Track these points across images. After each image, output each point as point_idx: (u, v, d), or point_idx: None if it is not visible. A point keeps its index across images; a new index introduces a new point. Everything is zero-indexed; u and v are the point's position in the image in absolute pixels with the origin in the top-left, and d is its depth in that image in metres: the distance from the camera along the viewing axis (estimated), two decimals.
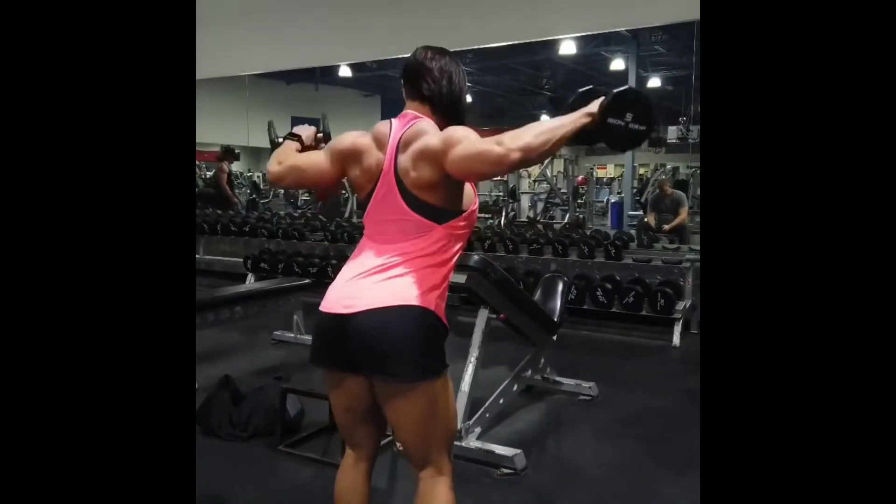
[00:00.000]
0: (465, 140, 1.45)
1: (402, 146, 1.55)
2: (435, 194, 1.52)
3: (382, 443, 1.72)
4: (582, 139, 1.52)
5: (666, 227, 6.87)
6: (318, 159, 1.72)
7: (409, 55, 1.66)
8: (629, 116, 1.46)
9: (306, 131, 1.83)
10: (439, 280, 1.54)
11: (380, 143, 1.59)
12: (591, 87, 1.54)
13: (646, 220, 7.48)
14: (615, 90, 1.47)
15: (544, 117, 21.70)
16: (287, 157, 1.75)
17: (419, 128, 1.54)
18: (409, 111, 1.62)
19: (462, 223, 1.57)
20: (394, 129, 1.59)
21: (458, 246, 1.58)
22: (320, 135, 1.87)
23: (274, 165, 1.75)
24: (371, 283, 1.52)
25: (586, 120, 1.45)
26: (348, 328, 1.51)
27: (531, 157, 1.41)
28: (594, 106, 1.45)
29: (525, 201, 12.12)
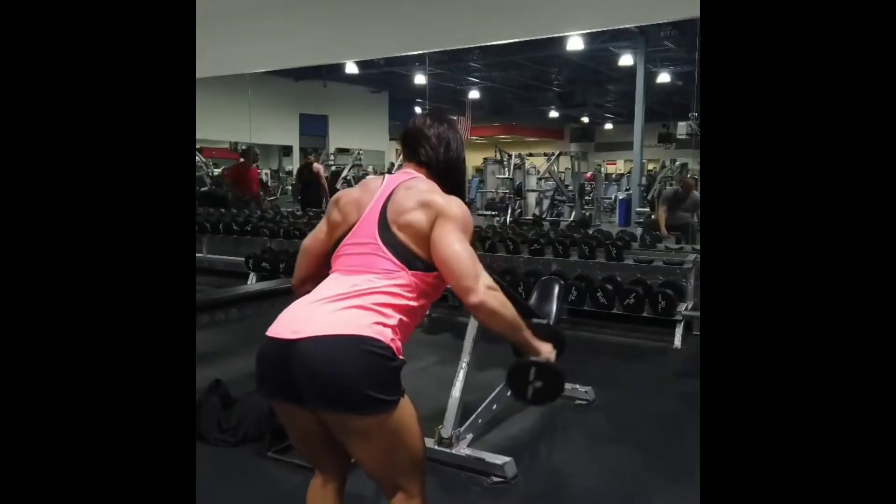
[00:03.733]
0: (466, 239, 1.50)
1: (401, 188, 1.57)
2: (416, 241, 1.50)
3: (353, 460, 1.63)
4: (515, 352, 1.69)
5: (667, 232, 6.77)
6: (317, 229, 1.71)
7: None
8: (538, 384, 1.60)
9: None
10: (398, 321, 1.46)
11: (369, 190, 1.62)
12: (560, 338, 1.70)
13: (653, 216, 7.36)
14: (555, 369, 1.60)
15: (553, 113, 21.63)
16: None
17: (425, 181, 1.60)
18: (409, 170, 1.66)
19: (431, 280, 1.52)
20: (387, 179, 1.62)
21: (422, 301, 1.53)
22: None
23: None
24: (324, 310, 1.43)
25: (525, 350, 1.57)
26: (291, 355, 1.39)
27: (481, 316, 1.48)
28: (541, 348, 1.58)
29: (531, 199, 12.06)
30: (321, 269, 1.65)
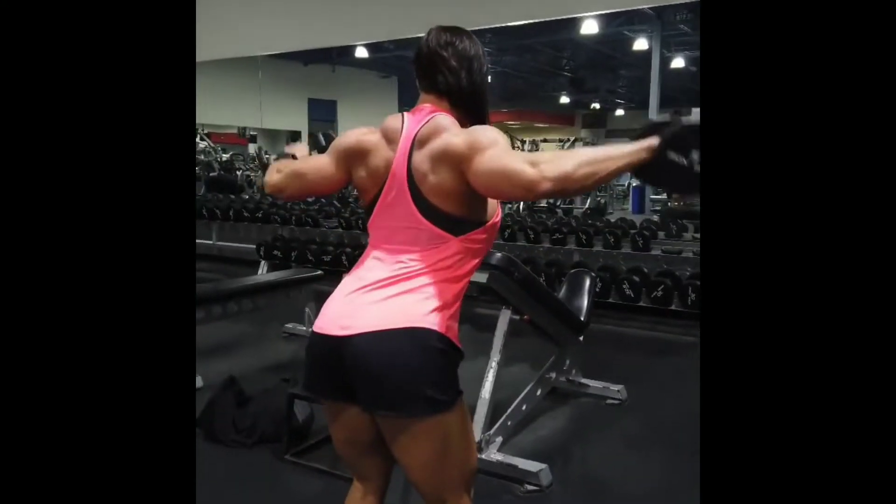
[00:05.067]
0: (494, 148, 1.24)
1: (417, 144, 1.34)
2: (453, 202, 1.31)
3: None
4: (638, 175, 1.30)
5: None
6: (321, 163, 1.53)
7: (422, 35, 1.44)
8: (696, 156, 1.20)
9: (301, 150, 1.68)
10: (451, 298, 1.34)
11: (389, 141, 1.39)
12: (664, 120, 1.26)
13: (670, 204, 7.21)
14: (686, 122, 1.22)
15: (564, 99, 21.33)
16: (286, 165, 1.58)
17: (437, 124, 1.34)
18: (425, 104, 1.41)
19: (481, 236, 1.36)
20: (407, 124, 1.37)
21: (474, 262, 1.38)
22: (314, 153, 1.69)
23: (272, 175, 1.57)
24: (372, 299, 1.32)
25: (644, 155, 1.23)
26: (344, 353, 1.31)
27: (567, 188, 1.23)
28: (656, 138, 1.23)
29: None
30: (305, 193, 1.61)
